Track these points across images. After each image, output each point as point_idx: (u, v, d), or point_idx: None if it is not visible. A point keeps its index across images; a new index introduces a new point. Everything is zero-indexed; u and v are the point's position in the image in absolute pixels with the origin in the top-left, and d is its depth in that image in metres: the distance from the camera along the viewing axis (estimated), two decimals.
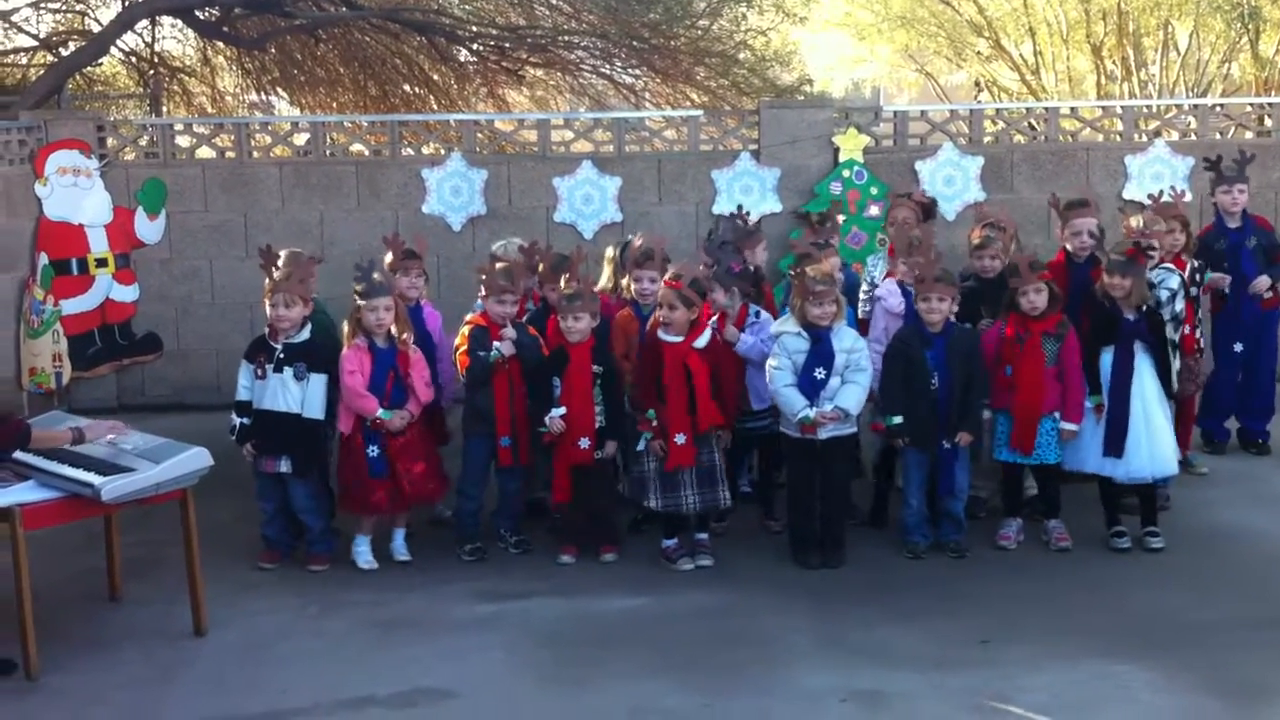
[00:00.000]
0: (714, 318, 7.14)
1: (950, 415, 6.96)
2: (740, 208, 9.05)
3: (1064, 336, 7.03)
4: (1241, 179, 8.70)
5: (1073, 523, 7.26)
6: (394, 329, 6.99)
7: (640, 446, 6.97)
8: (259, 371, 7.00)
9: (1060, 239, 7.86)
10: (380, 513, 7.11)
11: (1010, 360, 7.05)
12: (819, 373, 6.84)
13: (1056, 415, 7.04)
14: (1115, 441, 7.01)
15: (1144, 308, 7.09)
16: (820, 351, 6.85)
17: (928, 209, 8.36)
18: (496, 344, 7.04)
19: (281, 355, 6.95)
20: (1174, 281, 7.54)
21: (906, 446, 7.08)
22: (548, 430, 7.02)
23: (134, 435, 6.21)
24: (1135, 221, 7.72)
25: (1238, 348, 8.76)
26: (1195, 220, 9.73)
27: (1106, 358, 7.08)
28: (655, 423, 6.89)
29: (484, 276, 7.21)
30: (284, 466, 7.00)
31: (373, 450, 6.94)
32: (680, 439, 6.83)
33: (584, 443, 7.01)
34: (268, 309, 7.05)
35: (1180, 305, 7.53)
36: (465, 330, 7.19)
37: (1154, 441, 7.04)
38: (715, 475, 6.99)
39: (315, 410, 6.97)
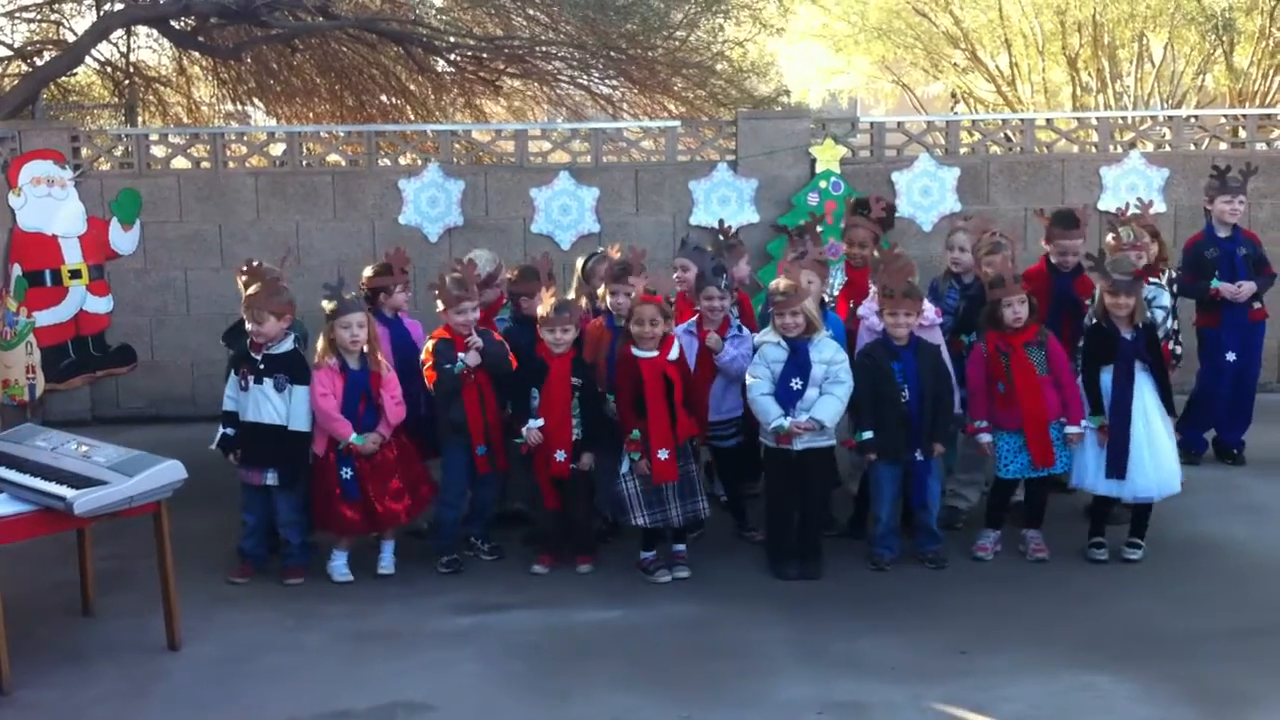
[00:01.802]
0: (692, 319, 7.14)
1: (921, 427, 6.96)
2: (721, 221, 9.05)
3: (1045, 344, 7.04)
4: (1243, 191, 8.85)
5: (1050, 533, 7.27)
6: (366, 347, 6.95)
7: (625, 469, 6.93)
8: (243, 383, 6.97)
9: (1045, 248, 7.91)
10: (356, 533, 7.08)
11: (1000, 376, 7.05)
12: (795, 383, 6.84)
13: (1061, 421, 7.04)
14: (1118, 462, 6.97)
15: (1140, 325, 7.08)
16: (797, 362, 6.85)
17: (884, 221, 8.34)
18: (461, 355, 7.02)
19: (262, 367, 6.92)
20: (1166, 299, 7.62)
21: (877, 461, 7.07)
22: (524, 441, 7.00)
23: (107, 448, 6.17)
24: (1125, 233, 7.76)
25: (1230, 357, 8.80)
26: (1169, 230, 9.82)
27: (1106, 377, 7.06)
28: (639, 441, 6.86)
29: (437, 291, 7.18)
30: (270, 479, 6.96)
31: (345, 472, 6.90)
32: (663, 454, 6.80)
33: (560, 455, 6.98)
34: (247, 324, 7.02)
35: (1172, 321, 7.60)
36: (429, 345, 7.17)
37: (1158, 460, 7.01)
38: (694, 486, 6.99)
39: (300, 422, 6.93)
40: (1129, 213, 8.17)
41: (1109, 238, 7.94)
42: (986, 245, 7.60)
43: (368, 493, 6.92)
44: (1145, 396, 7.03)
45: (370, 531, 7.10)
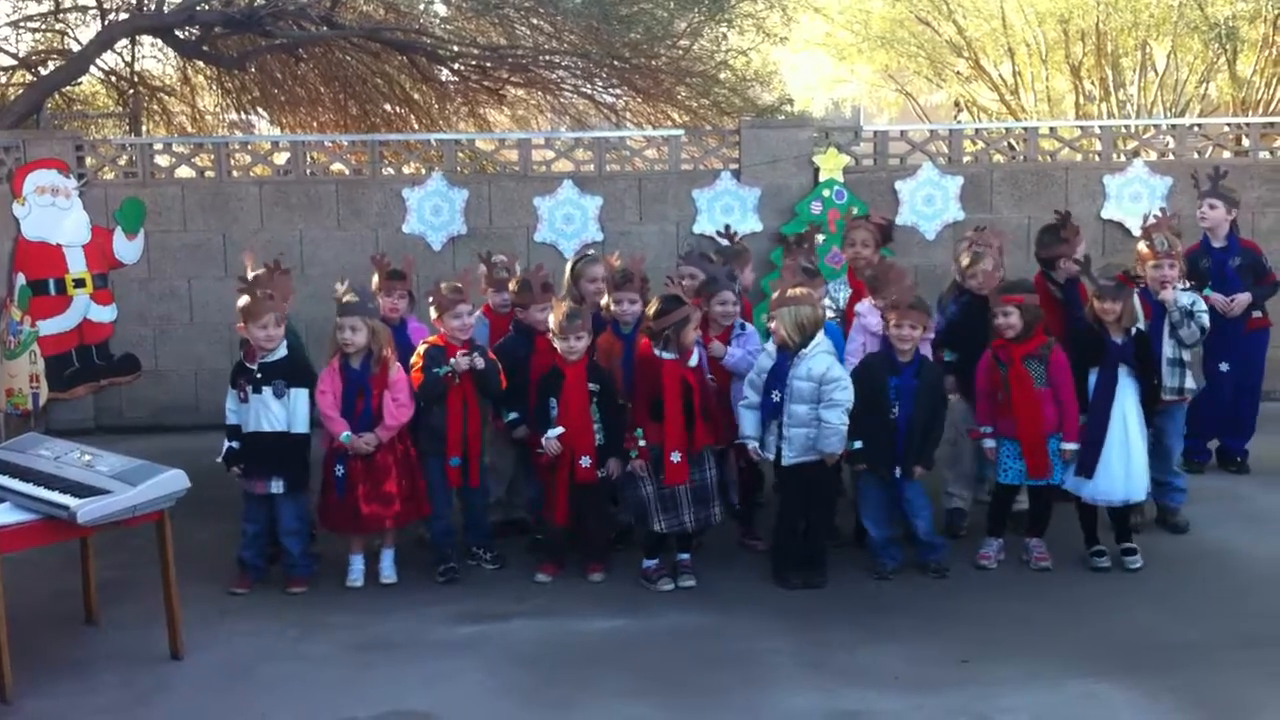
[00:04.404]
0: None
1: (907, 445, 6.96)
2: (728, 227, 9.04)
3: (1047, 358, 7.01)
4: (1213, 195, 8.69)
5: (1053, 542, 7.27)
6: (374, 349, 6.97)
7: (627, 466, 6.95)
8: (241, 395, 6.97)
9: (1043, 260, 7.89)
10: (340, 530, 7.12)
11: (999, 386, 7.05)
12: (774, 395, 6.83)
13: (1059, 435, 7.04)
14: (1088, 461, 7.02)
15: (1132, 331, 7.09)
16: (776, 373, 6.85)
17: (885, 231, 8.35)
18: (454, 359, 7.02)
19: (259, 375, 6.93)
20: (1204, 304, 7.68)
21: (865, 472, 7.08)
22: (545, 451, 7.00)
23: (110, 457, 6.18)
24: (1160, 241, 7.73)
25: (1224, 368, 8.77)
26: None
27: (1092, 378, 7.07)
28: (642, 443, 6.86)
29: (432, 298, 7.20)
30: (275, 487, 6.97)
31: (339, 469, 6.95)
32: (676, 457, 6.81)
33: (585, 461, 6.98)
34: (247, 331, 7.01)
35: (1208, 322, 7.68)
36: (421, 348, 7.19)
37: (1130, 464, 7.05)
38: (709, 493, 6.99)
39: (302, 425, 6.96)
40: (1150, 222, 8.10)
41: (1142, 245, 7.88)
42: (969, 256, 7.57)
43: (355, 492, 6.95)
44: (1126, 401, 7.06)
45: (353, 531, 7.11)
